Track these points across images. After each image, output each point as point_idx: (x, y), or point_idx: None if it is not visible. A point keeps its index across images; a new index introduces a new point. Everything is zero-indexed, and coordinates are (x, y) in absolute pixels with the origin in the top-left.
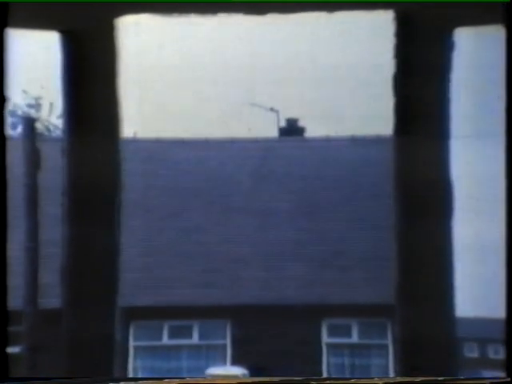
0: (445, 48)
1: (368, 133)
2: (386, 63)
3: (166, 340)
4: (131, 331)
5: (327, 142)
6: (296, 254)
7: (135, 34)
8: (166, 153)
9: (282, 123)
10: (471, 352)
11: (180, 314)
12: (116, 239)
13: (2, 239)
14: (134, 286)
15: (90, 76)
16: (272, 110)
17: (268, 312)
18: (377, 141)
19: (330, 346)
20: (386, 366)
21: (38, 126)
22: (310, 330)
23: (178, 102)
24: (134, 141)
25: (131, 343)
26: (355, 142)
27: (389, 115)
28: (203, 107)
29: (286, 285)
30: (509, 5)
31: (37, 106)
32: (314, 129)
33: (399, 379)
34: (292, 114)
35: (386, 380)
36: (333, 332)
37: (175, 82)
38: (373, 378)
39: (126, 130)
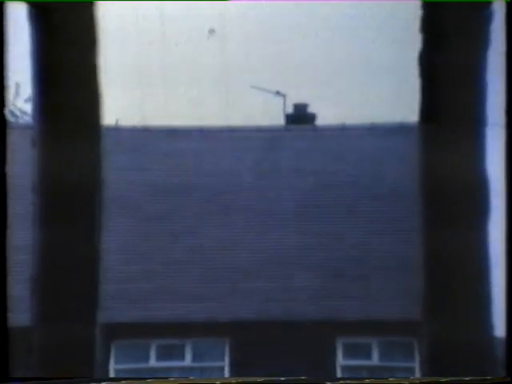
0: (477, 25)
1: (390, 120)
2: (410, 40)
3: (153, 362)
4: (113, 352)
5: (342, 131)
6: (305, 262)
7: (118, 9)
8: (155, 143)
9: (289, 109)
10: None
11: (170, 331)
12: (95, 244)
13: (2, 241)
14: (117, 298)
15: (65, 55)
16: (278, 93)
17: (272, 329)
18: (400, 129)
19: (345, 368)
20: None
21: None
22: (323, 350)
23: (169, 85)
24: (117, 129)
25: (112, 366)
26: (375, 130)
27: (414, 99)
28: (198, 91)
29: (294, 297)
30: (509, 5)
31: None
32: (327, 115)
33: (417, 380)
34: (300, 99)
35: (411, 380)
36: (349, 353)
37: (166, 62)
38: (387, 379)
39: (107, 116)
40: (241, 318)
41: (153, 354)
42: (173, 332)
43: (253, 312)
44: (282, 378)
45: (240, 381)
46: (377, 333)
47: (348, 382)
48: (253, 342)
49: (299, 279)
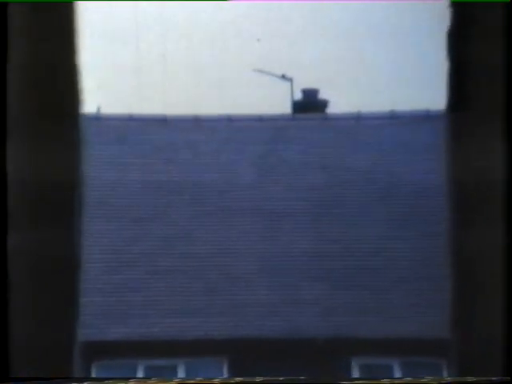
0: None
1: (413, 107)
2: (437, 15)
3: None
4: (93, 374)
5: (357, 121)
6: (315, 271)
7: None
8: (143, 134)
9: (297, 95)
10: None
11: (160, 350)
12: (75, 250)
13: (3, 242)
14: (99, 313)
15: (40, 30)
16: (284, 77)
17: (277, 348)
18: (424, 118)
19: None
20: None
21: None
22: (336, 371)
23: (159, 68)
24: (98, 118)
25: None
26: (395, 119)
27: (441, 84)
28: (193, 75)
29: (302, 311)
30: (509, 5)
31: None
32: (340, 102)
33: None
34: (310, 83)
35: (425, 381)
36: (367, 374)
37: (156, 41)
38: (401, 379)
39: (87, 102)
40: (241, 335)
41: (140, 375)
42: (163, 351)
43: (255, 328)
44: (281, 378)
45: (239, 381)
46: (398, 352)
47: (364, 381)
48: (254, 362)
49: (309, 290)
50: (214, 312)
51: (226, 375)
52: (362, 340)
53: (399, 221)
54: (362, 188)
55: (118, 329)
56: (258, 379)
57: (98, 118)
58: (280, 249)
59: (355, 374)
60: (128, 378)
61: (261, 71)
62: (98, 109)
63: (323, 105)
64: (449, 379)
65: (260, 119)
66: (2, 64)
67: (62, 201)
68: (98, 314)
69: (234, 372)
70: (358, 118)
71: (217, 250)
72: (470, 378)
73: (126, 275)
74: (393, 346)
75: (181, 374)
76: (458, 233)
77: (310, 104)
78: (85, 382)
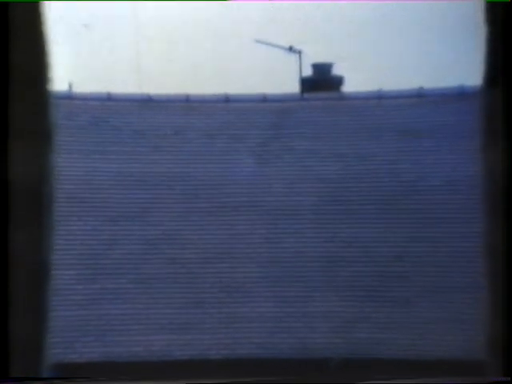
0: None
1: (443, 84)
2: None
3: None
4: None
5: (378, 100)
6: (327, 279)
7: None
8: (123, 117)
9: (307, 70)
10: None
11: (144, 372)
12: (43, 254)
13: (4, 239)
14: (72, 329)
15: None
16: (291, 50)
17: (284, 370)
18: (458, 97)
19: None
20: None
21: None
22: None
23: (145, 39)
24: (71, 97)
25: None
26: (423, 98)
27: (476, 56)
28: (184, 48)
29: (312, 327)
30: (509, 5)
31: None
32: (357, 79)
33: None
34: (321, 57)
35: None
36: None
37: (142, 6)
38: (411, 379)
39: (57, 78)
40: (240, 354)
41: None
42: (148, 374)
43: (257, 347)
44: (272, 378)
45: (229, 381)
46: (426, 376)
47: (379, 382)
48: None
49: (320, 302)
50: (208, 328)
51: None
52: (383, 361)
53: (427, 220)
54: (383, 181)
55: (95, 348)
56: (249, 380)
57: (70, 97)
58: (286, 253)
59: None
60: (100, 379)
61: (264, 42)
62: (70, 86)
63: (337, 82)
64: (448, 379)
65: (263, 99)
66: (2, 64)
67: (27, 197)
68: (72, 331)
69: None
70: (378, 98)
71: (211, 254)
72: (470, 379)
73: (104, 284)
74: (419, 368)
75: None
76: (495, 232)
77: (321, 81)
78: (54, 381)
